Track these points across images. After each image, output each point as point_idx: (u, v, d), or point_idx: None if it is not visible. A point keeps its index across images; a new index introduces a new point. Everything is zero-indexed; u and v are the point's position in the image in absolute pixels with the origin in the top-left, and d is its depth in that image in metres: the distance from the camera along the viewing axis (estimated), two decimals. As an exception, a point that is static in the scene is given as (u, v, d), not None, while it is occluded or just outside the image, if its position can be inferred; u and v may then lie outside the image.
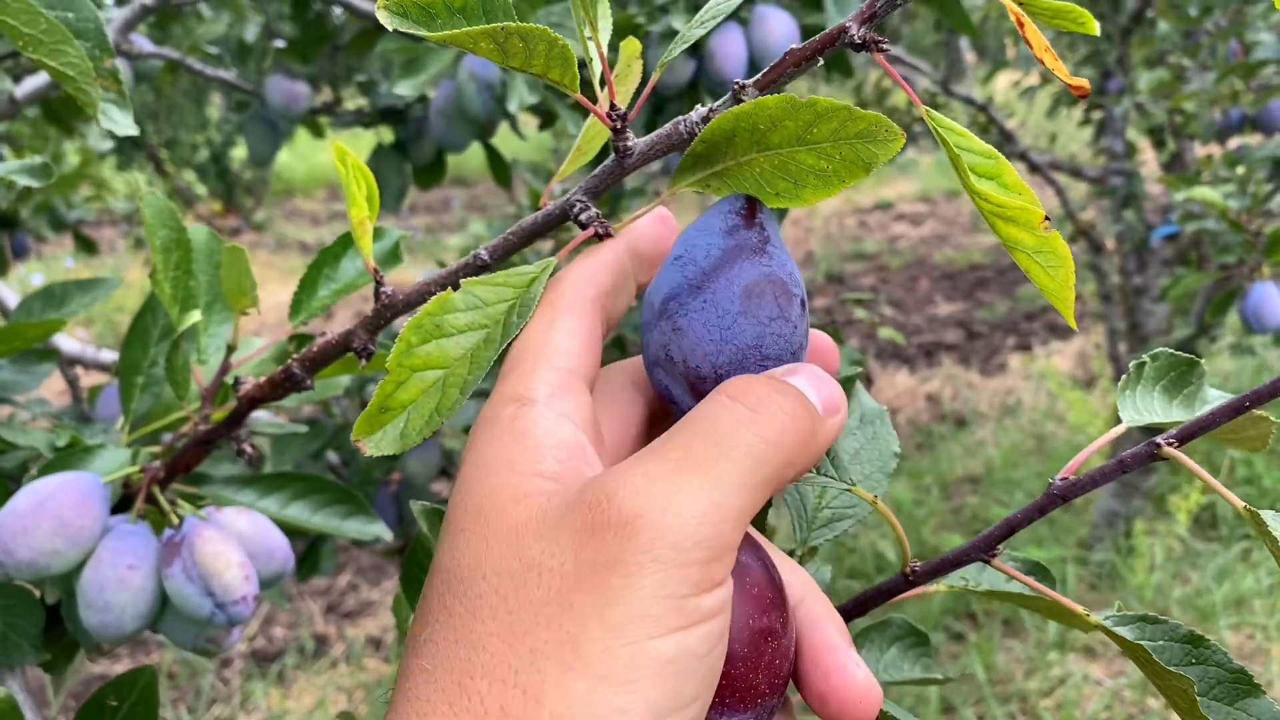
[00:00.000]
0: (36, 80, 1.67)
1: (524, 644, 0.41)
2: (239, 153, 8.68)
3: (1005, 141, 3.91)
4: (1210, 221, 2.30)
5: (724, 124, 0.54)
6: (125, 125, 0.75)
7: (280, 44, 2.28)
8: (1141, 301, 3.98)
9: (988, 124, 4.07)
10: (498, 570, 0.43)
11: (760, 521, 0.67)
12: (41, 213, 3.09)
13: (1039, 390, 5.35)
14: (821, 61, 0.55)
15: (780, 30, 1.60)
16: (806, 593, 0.53)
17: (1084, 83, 0.52)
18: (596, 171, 0.59)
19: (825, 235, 8.60)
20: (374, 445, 0.54)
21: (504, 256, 0.63)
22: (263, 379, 0.78)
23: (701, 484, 0.42)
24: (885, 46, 0.54)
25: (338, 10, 2.18)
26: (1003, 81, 8.43)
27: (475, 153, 2.14)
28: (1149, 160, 5.65)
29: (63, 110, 2.22)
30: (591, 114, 0.60)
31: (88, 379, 1.62)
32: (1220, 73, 2.89)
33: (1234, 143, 3.15)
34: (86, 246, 3.17)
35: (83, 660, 3.66)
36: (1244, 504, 0.55)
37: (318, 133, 2.22)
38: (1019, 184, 0.53)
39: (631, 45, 0.64)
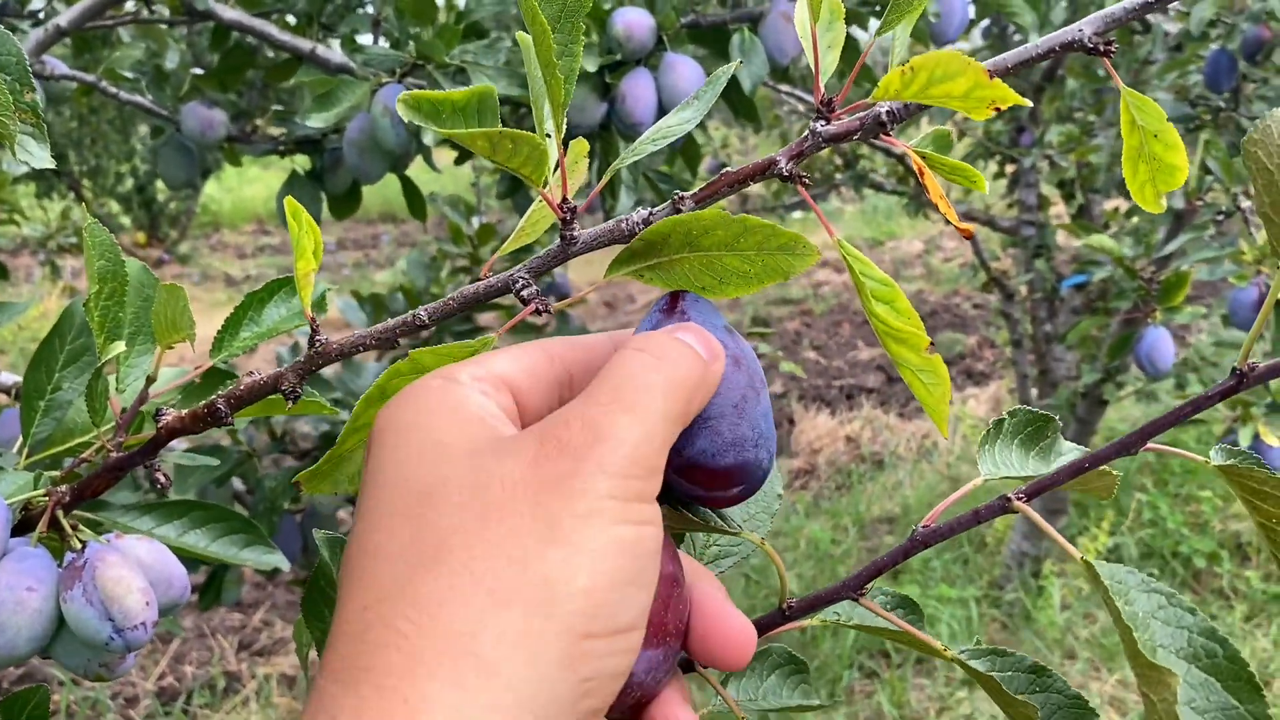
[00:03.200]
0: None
1: (501, 524, 0.47)
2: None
3: (922, 191, 4.02)
4: (1107, 269, 2.40)
5: (661, 226, 0.61)
6: (42, 158, 0.76)
7: (199, 71, 2.28)
8: (1052, 348, 4.10)
9: (906, 174, 4.19)
10: (460, 484, 0.49)
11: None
12: (-48, 237, 3.03)
13: (955, 433, 5.46)
14: (753, 184, 0.64)
15: (688, 77, 1.65)
16: (687, 563, 0.60)
17: (970, 228, 0.60)
18: (542, 254, 0.65)
19: (752, 278, 8.70)
20: (312, 486, 0.60)
21: (442, 319, 0.67)
22: (185, 412, 0.78)
23: (633, 419, 0.51)
24: (807, 181, 0.63)
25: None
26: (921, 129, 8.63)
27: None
28: (1061, 214, 5.83)
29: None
30: (540, 200, 0.66)
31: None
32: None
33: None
34: (-2, 271, 3.10)
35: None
36: (1081, 555, 0.60)
37: (234, 160, 2.22)
38: (909, 310, 0.60)
39: (580, 145, 0.71)
